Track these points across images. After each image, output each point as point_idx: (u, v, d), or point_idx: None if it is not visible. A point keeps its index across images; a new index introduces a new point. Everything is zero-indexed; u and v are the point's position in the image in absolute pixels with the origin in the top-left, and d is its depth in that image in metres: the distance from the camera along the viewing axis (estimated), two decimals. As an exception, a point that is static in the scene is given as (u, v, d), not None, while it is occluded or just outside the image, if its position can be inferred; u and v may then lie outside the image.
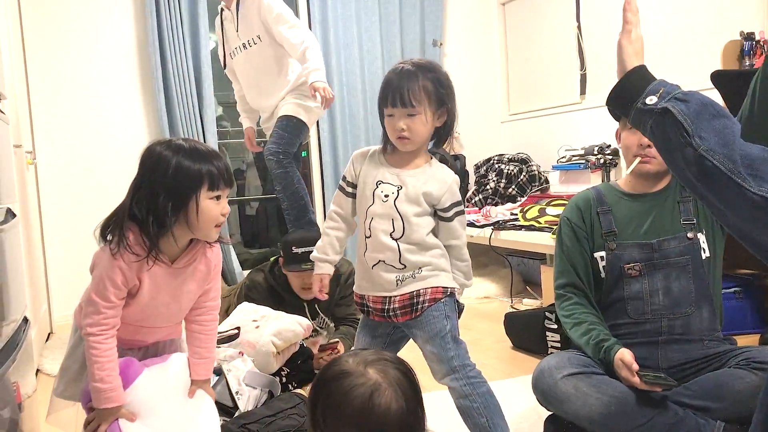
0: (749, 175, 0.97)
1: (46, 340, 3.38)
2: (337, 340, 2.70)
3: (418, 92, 1.63)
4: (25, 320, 1.75)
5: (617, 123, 1.95)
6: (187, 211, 1.50)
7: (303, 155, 4.92)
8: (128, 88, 4.08)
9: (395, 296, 1.67)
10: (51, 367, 2.86)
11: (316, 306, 2.78)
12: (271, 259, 2.90)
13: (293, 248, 2.65)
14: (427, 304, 1.66)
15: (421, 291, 1.66)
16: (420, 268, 1.67)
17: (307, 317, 2.63)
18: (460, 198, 1.74)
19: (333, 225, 1.78)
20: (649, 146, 1.85)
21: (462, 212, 1.75)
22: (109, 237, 1.52)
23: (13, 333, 1.55)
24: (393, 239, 1.66)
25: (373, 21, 4.61)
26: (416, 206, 1.67)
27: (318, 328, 2.80)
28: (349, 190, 1.76)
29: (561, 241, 2.02)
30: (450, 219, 1.71)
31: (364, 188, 1.71)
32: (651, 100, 1.12)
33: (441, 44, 4.83)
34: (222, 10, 3.27)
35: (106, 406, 1.49)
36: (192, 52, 4.12)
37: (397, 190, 1.67)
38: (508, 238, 3.61)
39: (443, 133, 1.73)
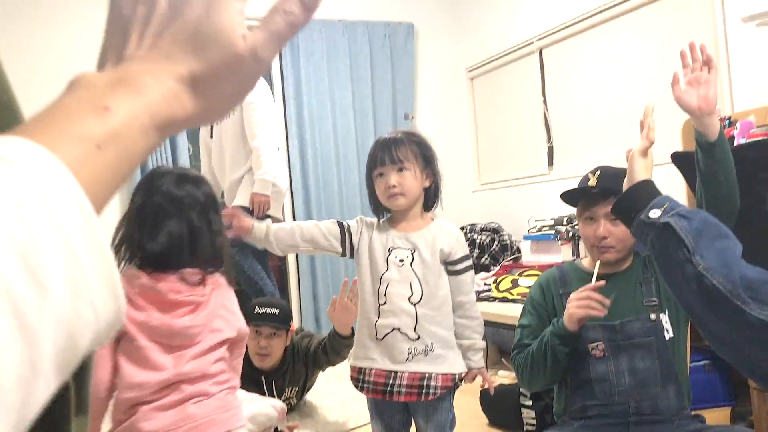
0: (750, 298, 0.96)
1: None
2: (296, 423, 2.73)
3: (406, 151, 1.74)
4: None
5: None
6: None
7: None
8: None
9: (404, 372, 1.67)
10: None
11: (274, 381, 2.78)
12: None
13: (256, 307, 2.73)
14: (439, 392, 1.67)
15: (434, 375, 1.67)
16: (433, 343, 1.67)
17: (264, 392, 2.65)
18: (468, 252, 1.79)
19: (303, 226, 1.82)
20: (605, 238, 1.90)
21: (471, 267, 1.78)
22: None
23: None
24: (411, 304, 1.68)
25: (346, 96, 4.73)
26: (432, 266, 1.71)
27: (289, 401, 2.82)
28: (345, 236, 1.81)
29: (524, 318, 2.04)
30: (459, 272, 1.74)
31: (374, 257, 1.75)
32: (654, 213, 1.14)
33: (412, 117, 4.96)
34: None
35: None
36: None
37: (411, 253, 1.72)
38: (482, 310, 3.58)
39: (432, 194, 1.81)
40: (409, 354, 1.66)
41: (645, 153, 1.31)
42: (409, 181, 1.73)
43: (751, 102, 2.87)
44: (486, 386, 1.77)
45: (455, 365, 1.71)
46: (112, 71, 0.38)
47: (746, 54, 2.96)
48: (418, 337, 1.66)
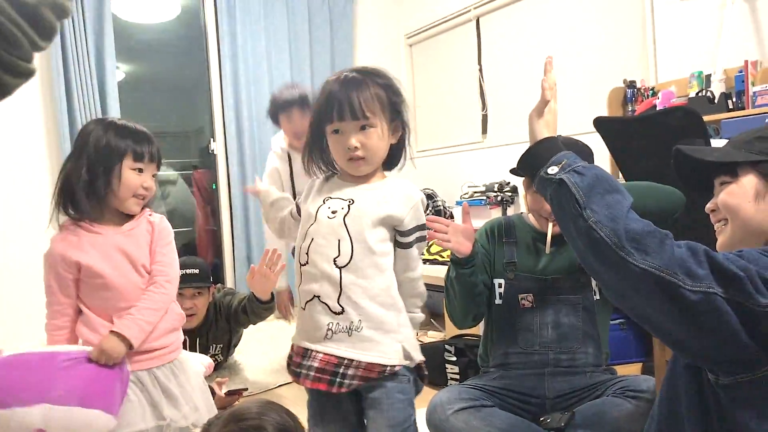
0: (633, 249, 1.01)
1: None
2: (246, 387, 2.72)
3: (371, 100, 1.35)
4: None
5: (515, 160, 2.06)
6: (110, 180, 1.64)
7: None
8: (30, 117, 3.94)
9: (318, 352, 1.35)
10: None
11: (198, 340, 2.79)
12: None
13: None
14: (354, 383, 1.34)
15: (353, 363, 1.34)
16: (360, 321, 1.33)
17: (189, 349, 2.66)
18: (424, 221, 1.46)
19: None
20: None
21: (423, 238, 1.47)
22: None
23: None
24: (336, 266, 1.33)
25: (283, 58, 4.68)
26: (371, 225, 1.36)
27: (215, 358, 2.81)
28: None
29: None
30: (409, 245, 1.42)
31: (307, 207, 1.44)
32: (552, 170, 1.18)
33: (350, 81, 4.94)
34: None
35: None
36: (98, 82, 4.04)
37: (348, 205, 1.38)
38: (413, 272, 3.69)
39: (398, 152, 1.47)
40: (328, 331, 1.34)
41: (541, 112, 1.34)
42: (374, 141, 1.37)
43: (673, 73, 2.99)
44: None
45: (388, 354, 1.36)
46: None
47: (670, 27, 3.07)
48: (342, 311, 1.33)
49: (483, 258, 2.06)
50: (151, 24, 5.13)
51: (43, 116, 3.96)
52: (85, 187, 1.63)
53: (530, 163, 1.27)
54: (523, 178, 2.06)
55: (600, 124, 2.43)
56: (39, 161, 3.94)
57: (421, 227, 1.44)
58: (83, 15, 3.95)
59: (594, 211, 1.08)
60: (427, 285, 3.53)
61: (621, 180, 2.37)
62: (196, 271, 2.71)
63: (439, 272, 3.50)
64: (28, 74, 0.93)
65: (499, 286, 2.03)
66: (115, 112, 4.07)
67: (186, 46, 5.26)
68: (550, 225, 1.97)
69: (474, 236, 1.95)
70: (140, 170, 1.68)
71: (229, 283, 4.60)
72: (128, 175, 1.66)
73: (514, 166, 2.05)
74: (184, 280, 2.67)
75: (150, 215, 1.79)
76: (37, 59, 3.50)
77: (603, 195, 1.10)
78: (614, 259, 1.03)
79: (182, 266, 2.70)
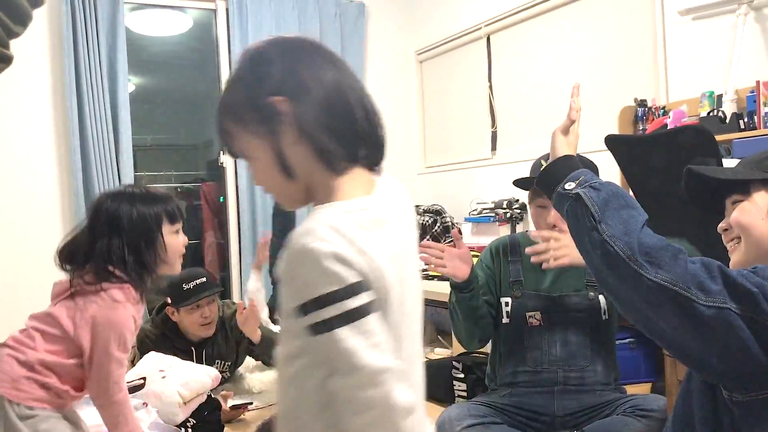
0: (647, 262, 1.03)
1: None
2: (251, 401, 2.72)
3: (224, 128, 0.97)
4: None
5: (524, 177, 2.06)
6: (156, 250, 1.60)
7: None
8: (42, 127, 3.97)
9: None
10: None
11: (204, 351, 2.79)
12: (156, 307, 2.90)
13: (183, 285, 2.69)
14: None
15: None
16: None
17: (195, 361, 2.66)
18: (313, 295, 0.80)
19: None
20: (554, 226, 1.95)
21: (335, 324, 0.80)
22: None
23: None
24: None
25: (294, 72, 4.70)
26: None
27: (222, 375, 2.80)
28: None
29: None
30: (309, 332, 0.82)
31: None
32: (570, 185, 1.20)
33: (360, 97, 4.95)
34: None
35: None
36: (110, 94, 4.07)
37: None
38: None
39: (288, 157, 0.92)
40: None
41: (566, 131, 1.34)
42: (260, 174, 0.97)
43: (684, 93, 2.99)
44: None
45: None
46: None
47: (682, 46, 3.07)
48: None
49: (488, 278, 2.06)
50: (163, 37, 5.17)
51: (53, 127, 3.99)
52: (134, 265, 1.57)
53: (549, 179, 1.29)
54: (528, 193, 2.06)
55: (611, 142, 2.43)
56: (49, 172, 3.97)
57: (313, 303, 0.81)
58: (97, 28, 3.98)
59: (609, 225, 1.09)
60: (432, 301, 3.57)
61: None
62: (204, 279, 2.73)
63: (445, 289, 3.47)
64: (4, 60, 1.00)
65: (506, 304, 2.03)
66: (126, 125, 4.09)
67: (197, 60, 5.30)
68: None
69: (471, 259, 1.95)
70: (177, 231, 1.66)
71: (236, 296, 4.60)
72: (171, 240, 1.63)
73: (517, 177, 2.08)
74: (198, 290, 2.67)
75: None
76: (50, 71, 3.53)
77: (618, 210, 1.11)
78: (628, 272, 1.04)
79: (190, 278, 2.71)
